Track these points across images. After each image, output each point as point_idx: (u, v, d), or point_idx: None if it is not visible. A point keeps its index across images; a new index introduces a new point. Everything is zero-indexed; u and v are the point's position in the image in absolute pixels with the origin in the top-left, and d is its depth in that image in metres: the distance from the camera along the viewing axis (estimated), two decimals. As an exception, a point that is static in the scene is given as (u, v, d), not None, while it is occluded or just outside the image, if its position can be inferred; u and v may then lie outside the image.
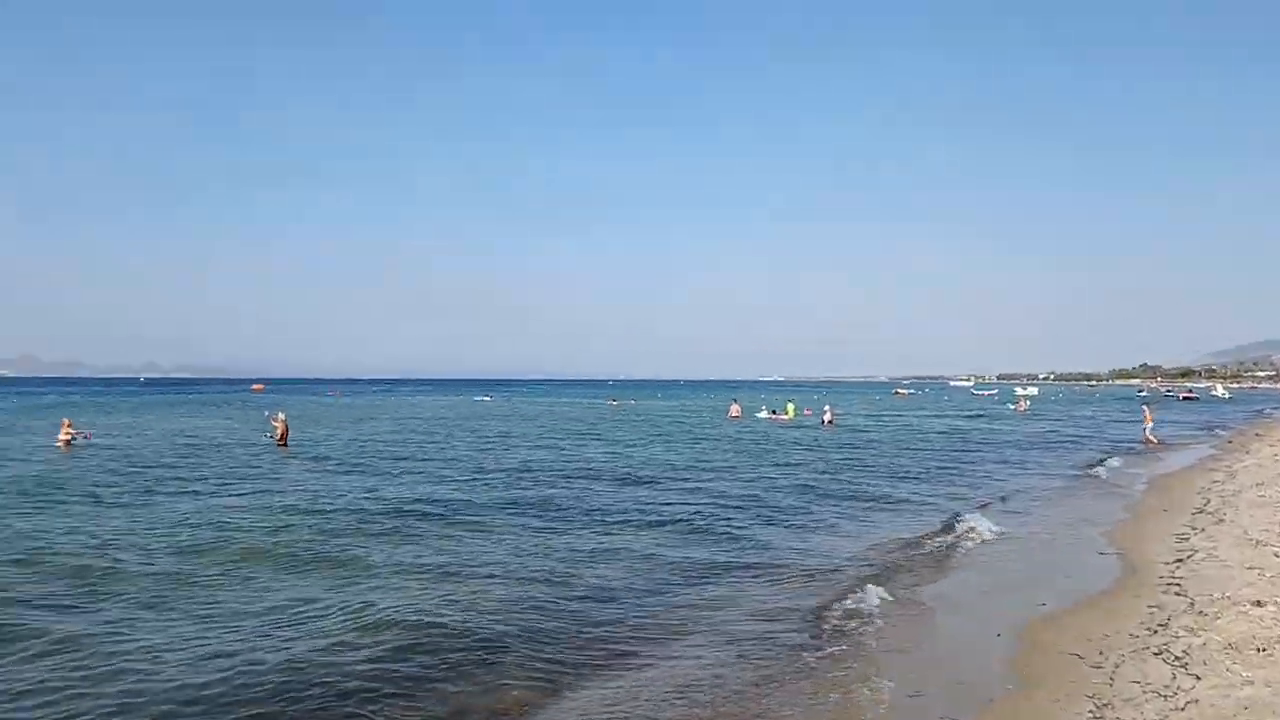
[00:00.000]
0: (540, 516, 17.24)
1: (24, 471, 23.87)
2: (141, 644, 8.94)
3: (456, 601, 10.64)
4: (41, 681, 7.95)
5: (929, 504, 19.82)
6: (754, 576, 12.51)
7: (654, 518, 17.25)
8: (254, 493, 19.98)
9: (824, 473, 25.47)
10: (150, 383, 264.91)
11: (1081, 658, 8.56)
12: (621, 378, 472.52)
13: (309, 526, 15.67)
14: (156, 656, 8.62)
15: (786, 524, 16.99)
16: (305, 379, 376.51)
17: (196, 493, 20.09)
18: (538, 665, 8.61)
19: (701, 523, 16.73)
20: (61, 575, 11.89)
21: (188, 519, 16.39)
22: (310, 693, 7.75)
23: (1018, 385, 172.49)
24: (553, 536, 15.20)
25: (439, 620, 9.77)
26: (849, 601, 10.76)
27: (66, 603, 10.54)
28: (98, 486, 20.96)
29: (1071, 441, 40.68)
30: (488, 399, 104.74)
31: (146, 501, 18.76)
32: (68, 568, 12.28)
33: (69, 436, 31.82)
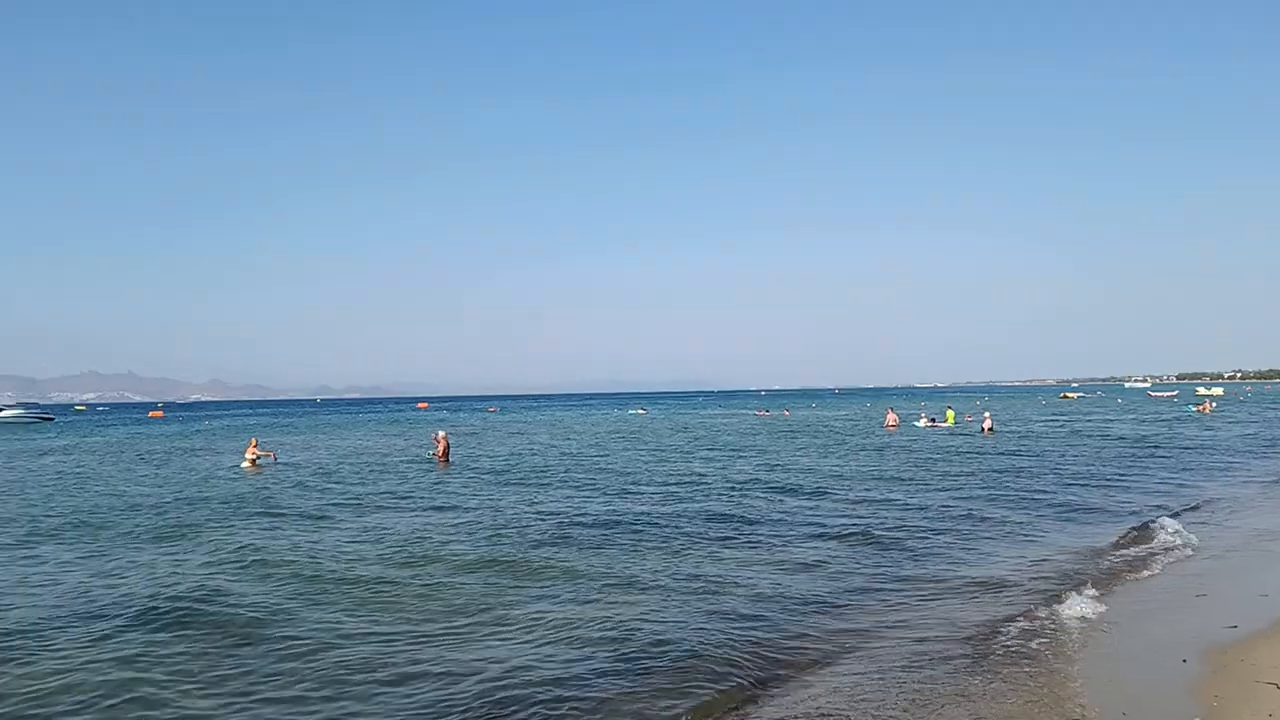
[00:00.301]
0: (715, 527, 17.22)
1: (228, 491, 25.44)
2: (370, 648, 9.50)
3: (649, 609, 10.89)
4: (317, 683, 8.50)
5: (1108, 513, 18.69)
6: (932, 587, 12.16)
7: (824, 529, 16.95)
8: (436, 509, 20.65)
9: (991, 482, 24.39)
10: (326, 403, 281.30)
11: None
12: (776, 387, 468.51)
13: (494, 539, 16.09)
14: (378, 658, 9.17)
15: (961, 534, 16.39)
16: (465, 396, 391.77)
17: (382, 507, 21.04)
18: (728, 673, 8.66)
19: (873, 534, 16.31)
20: (298, 583, 12.71)
21: (389, 532, 17.14)
22: (522, 695, 8.11)
23: (1200, 385, 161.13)
24: (731, 548, 15.17)
25: (635, 627, 10.06)
26: (1024, 621, 10.24)
27: (309, 610, 11.18)
28: (294, 502, 22.36)
29: (1268, 445, 37.57)
30: (642, 412, 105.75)
31: (340, 516, 19.76)
32: (302, 577, 13.10)
33: (255, 456, 34.10)
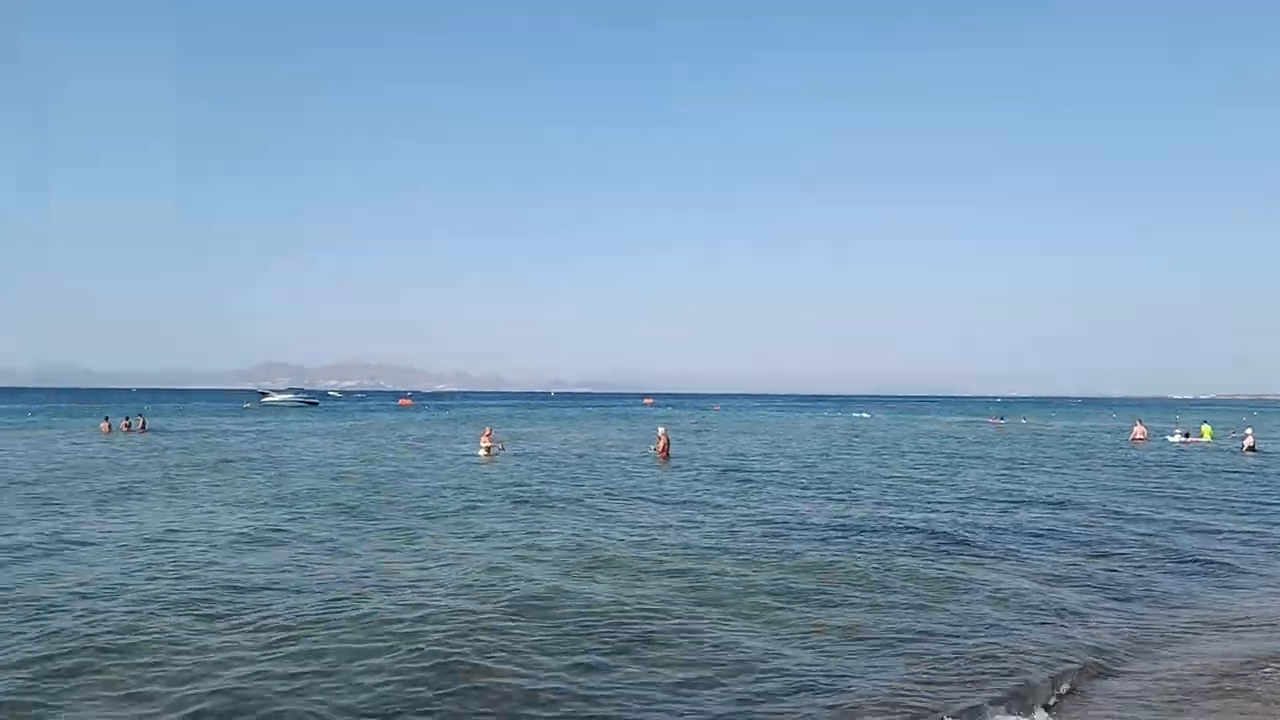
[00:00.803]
0: (974, 539, 16.05)
1: (476, 477, 26.76)
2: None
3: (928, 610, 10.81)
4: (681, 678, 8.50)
5: None
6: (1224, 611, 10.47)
7: (1095, 547, 15.67)
8: (672, 505, 20.69)
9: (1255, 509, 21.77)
10: (559, 396, 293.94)
11: None
12: (1012, 395, 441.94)
13: (737, 539, 15.69)
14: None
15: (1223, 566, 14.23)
16: (691, 394, 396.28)
17: (614, 499, 21.15)
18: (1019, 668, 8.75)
19: (1150, 552, 15.16)
20: (594, 568, 13.17)
21: (638, 527, 17.20)
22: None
23: None
24: (1000, 558, 14.32)
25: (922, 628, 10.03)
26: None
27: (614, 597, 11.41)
28: (532, 490, 23.22)
29: None
30: (866, 415, 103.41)
31: (571, 507, 20.11)
32: (600, 560, 13.74)
33: (489, 446, 36.12)
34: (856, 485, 25.39)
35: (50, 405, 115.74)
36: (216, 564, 13.41)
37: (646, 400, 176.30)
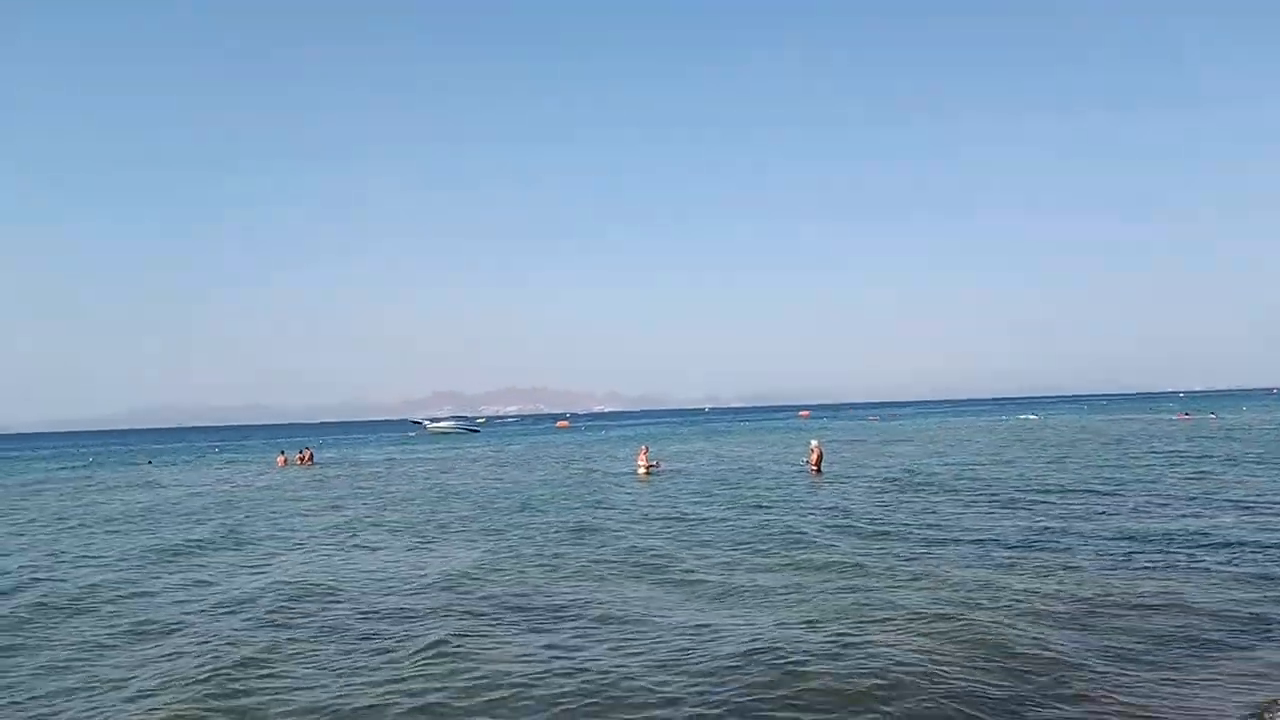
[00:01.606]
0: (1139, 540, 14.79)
1: (633, 497, 27.17)
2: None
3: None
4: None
5: None
6: None
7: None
8: (818, 510, 20.51)
9: None
10: (714, 412, 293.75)
11: None
12: (1197, 388, 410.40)
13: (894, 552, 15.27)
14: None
15: None
16: (847, 403, 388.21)
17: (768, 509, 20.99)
18: None
19: None
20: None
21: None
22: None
23: None
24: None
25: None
26: None
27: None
28: (695, 504, 23.55)
29: None
30: (1033, 417, 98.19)
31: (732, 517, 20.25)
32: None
33: (647, 464, 36.23)
34: (1074, 491, 23.93)
35: (236, 441, 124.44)
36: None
37: (802, 413, 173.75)
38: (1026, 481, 26.84)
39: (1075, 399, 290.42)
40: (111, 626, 11.88)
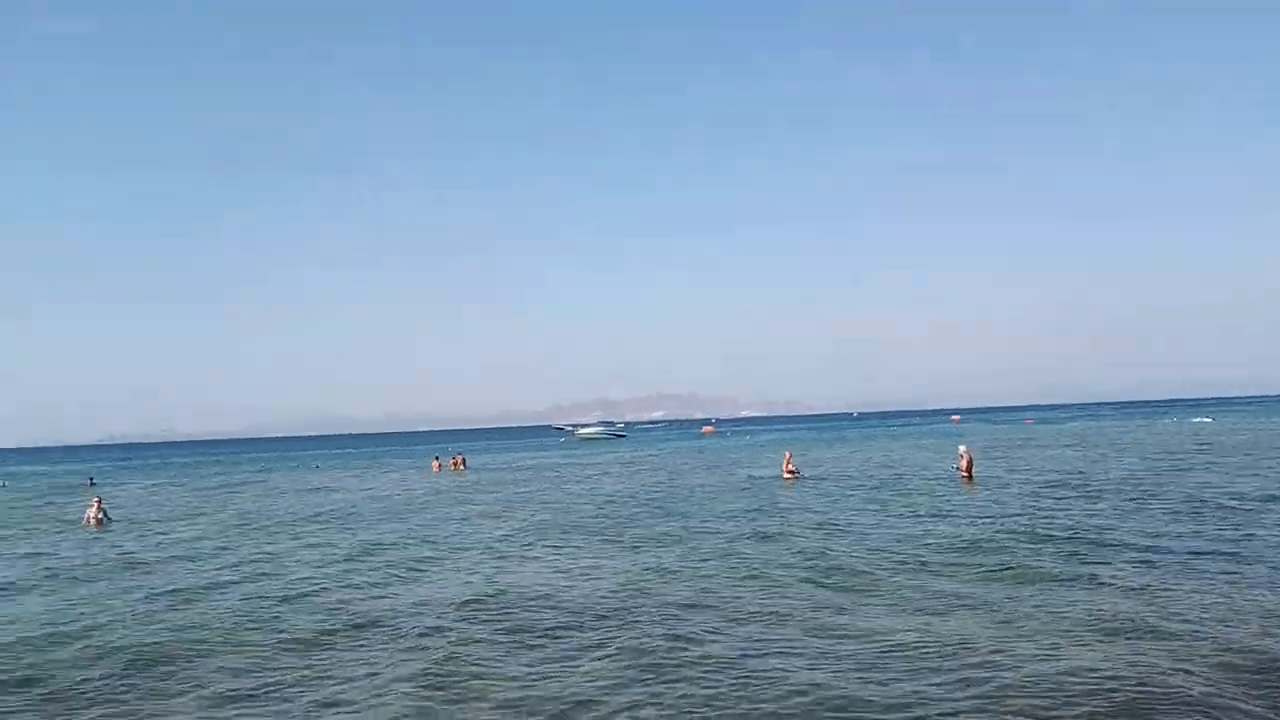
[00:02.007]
0: None
1: (784, 503, 27.21)
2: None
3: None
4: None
5: None
6: None
7: None
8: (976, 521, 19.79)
9: None
10: (862, 417, 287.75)
11: None
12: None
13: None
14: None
15: None
16: (1001, 406, 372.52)
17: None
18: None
19: None
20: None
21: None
22: None
23: None
24: None
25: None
26: None
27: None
28: (849, 509, 23.28)
29: None
30: (1208, 420, 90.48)
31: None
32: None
33: (791, 470, 35.92)
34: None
35: (390, 448, 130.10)
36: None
37: (954, 418, 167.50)
38: (1216, 488, 25.04)
39: (1259, 400, 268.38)
40: (332, 618, 12.76)
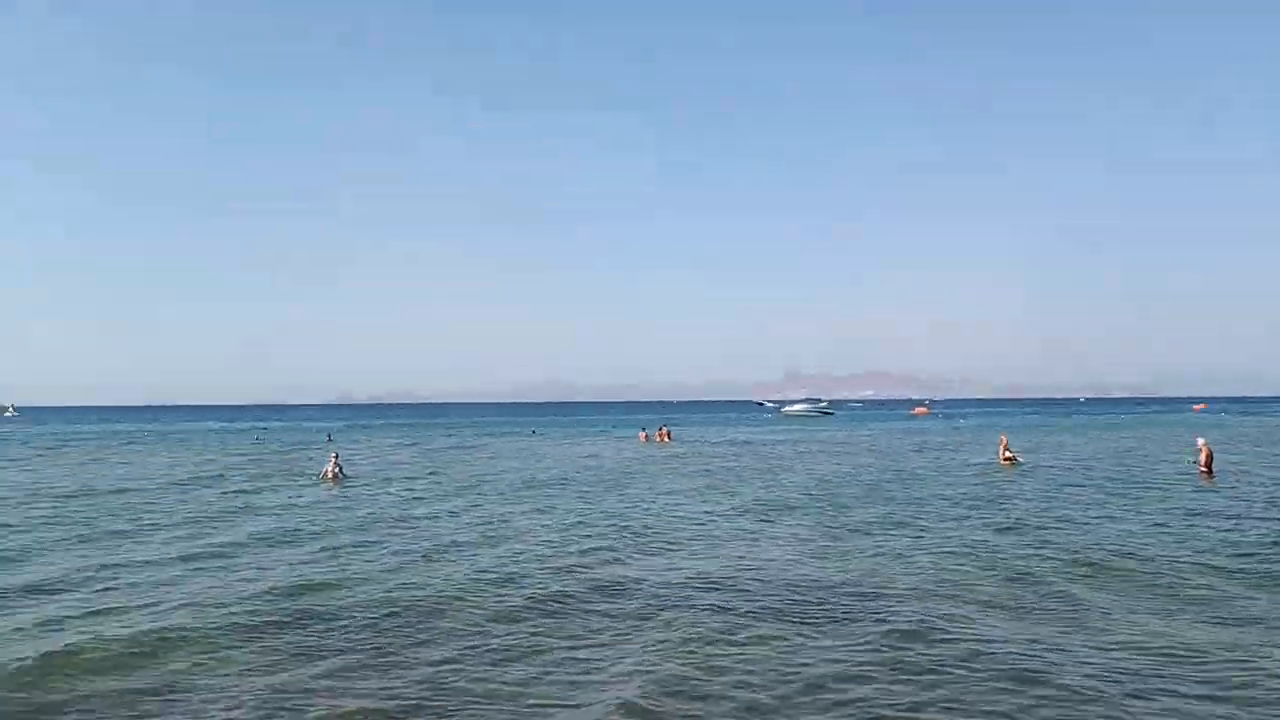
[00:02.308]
0: None
1: (1011, 492, 26.16)
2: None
3: None
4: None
5: None
6: None
7: None
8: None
9: None
10: (1090, 402, 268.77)
11: None
12: None
13: None
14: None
15: None
16: (1256, 397, 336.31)
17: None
18: None
19: None
20: None
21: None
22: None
23: None
24: None
25: None
26: None
27: None
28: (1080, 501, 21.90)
29: None
30: None
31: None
32: None
33: (1008, 455, 34.22)
34: None
35: (613, 417, 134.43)
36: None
37: (1196, 407, 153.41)
38: None
39: None
40: (575, 582, 13.23)
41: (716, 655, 9.46)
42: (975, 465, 34.75)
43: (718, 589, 12.75)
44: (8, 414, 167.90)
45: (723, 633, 10.30)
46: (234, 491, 27.22)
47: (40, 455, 48.89)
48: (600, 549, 16.28)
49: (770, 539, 17.47)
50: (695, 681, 8.61)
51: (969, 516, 20.06)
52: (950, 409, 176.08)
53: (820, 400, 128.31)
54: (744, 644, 9.88)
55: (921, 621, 10.66)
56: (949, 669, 8.90)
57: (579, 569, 14.38)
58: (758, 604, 11.79)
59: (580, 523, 19.84)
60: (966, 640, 9.86)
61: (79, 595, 12.68)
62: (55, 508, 23.05)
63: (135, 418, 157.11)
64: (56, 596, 12.61)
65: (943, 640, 9.88)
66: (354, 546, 16.75)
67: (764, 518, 20.45)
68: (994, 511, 20.87)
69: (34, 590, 13.04)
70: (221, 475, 33.43)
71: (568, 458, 43.40)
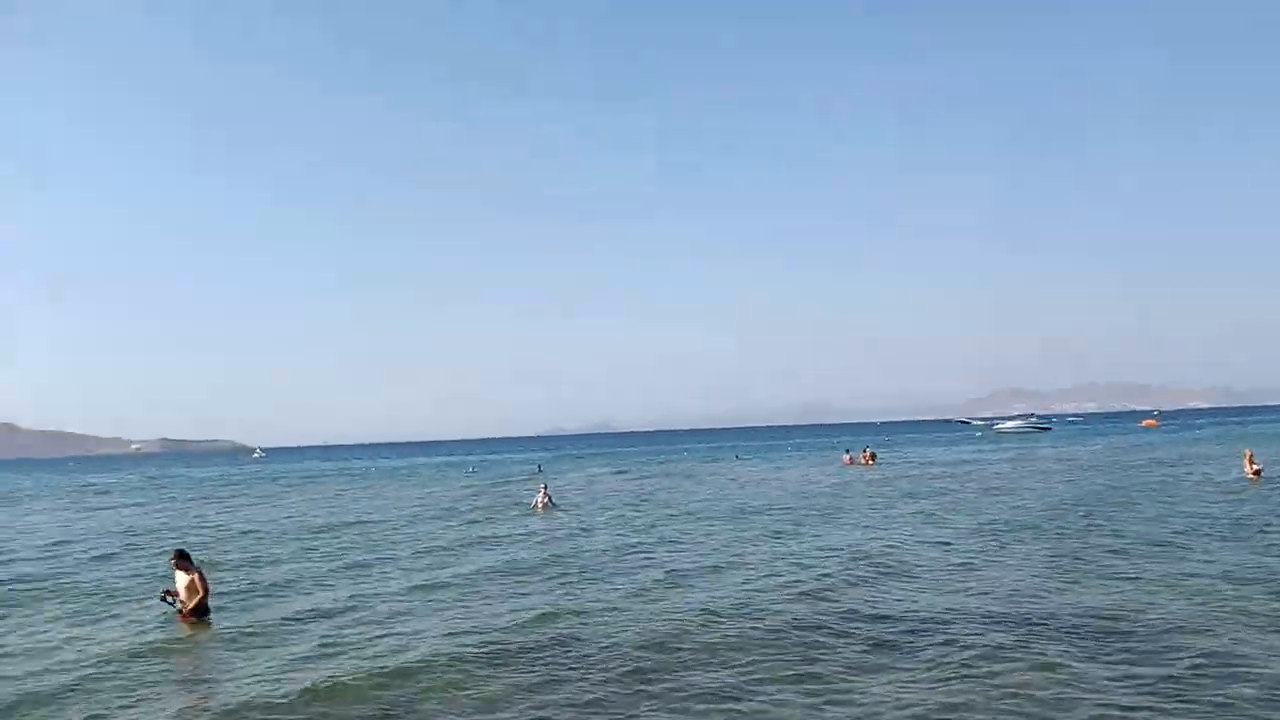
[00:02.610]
0: None
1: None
2: None
3: None
4: None
5: None
6: None
7: None
8: None
9: None
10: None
11: None
12: None
13: None
14: None
15: None
16: None
17: None
18: None
19: None
20: None
21: None
22: None
23: None
24: None
25: None
26: None
27: None
28: None
29: None
30: None
31: None
32: None
33: (1254, 469, 31.55)
34: None
35: (803, 440, 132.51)
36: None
37: None
38: None
39: None
40: (832, 614, 12.82)
41: (991, 684, 9.10)
42: (1221, 482, 31.72)
43: (975, 616, 12.17)
44: (256, 455, 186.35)
45: (994, 660, 9.89)
46: (465, 523, 28.33)
47: (287, 491, 53.51)
48: (838, 575, 15.86)
49: (1013, 563, 16.54)
50: (977, 715, 8.34)
51: (1229, 537, 18.38)
52: (1180, 420, 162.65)
53: (1035, 416, 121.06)
54: (1017, 672, 9.44)
55: (1212, 654, 9.82)
56: (1249, 708, 8.20)
57: (823, 596, 14.08)
58: (1021, 631, 11.17)
59: (810, 549, 19.43)
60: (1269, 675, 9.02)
61: (337, 623, 13.51)
62: (310, 540, 25.01)
63: (361, 454, 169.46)
64: (319, 624, 13.51)
65: (1238, 676, 9.07)
66: (584, 576, 17.02)
67: (1001, 541, 19.38)
68: (1253, 531, 18.98)
69: (299, 619, 14.02)
70: (452, 508, 34.99)
71: (774, 481, 43.04)
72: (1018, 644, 10.58)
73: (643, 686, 9.66)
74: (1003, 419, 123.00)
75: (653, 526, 25.31)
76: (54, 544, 27.02)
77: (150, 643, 12.69)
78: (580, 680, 9.93)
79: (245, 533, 27.97)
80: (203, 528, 30.48)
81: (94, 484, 77.76)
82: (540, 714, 8.91)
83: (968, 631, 11.35)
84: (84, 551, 24.65)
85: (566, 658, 10.90)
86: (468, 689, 9.75)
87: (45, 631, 13.98)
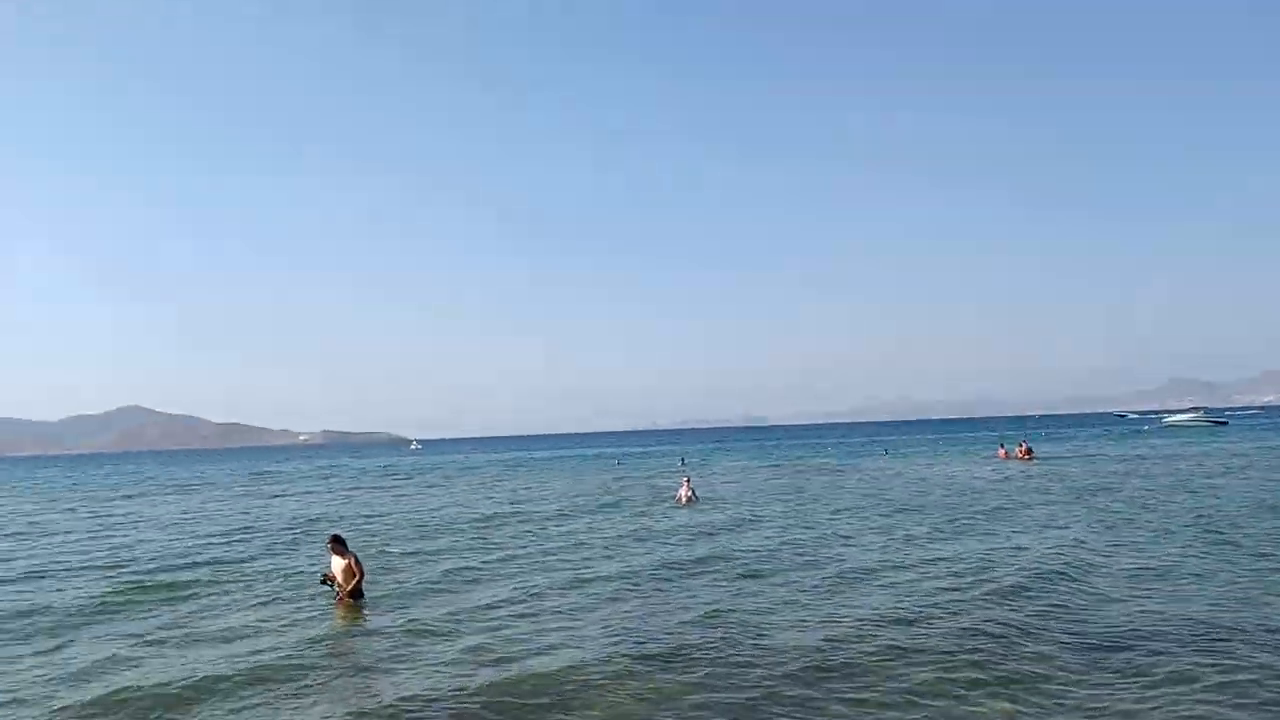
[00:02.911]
0: None
1: None
2: None
3: None
4: None
5: None
6: None
7: None
8: None
9: None
10: None
11: None
12: None
13: None
14: None
15: None
16: None
17: None
18: None
19: None
20: None
21: None
22: None
23: None
24: None
25: None
26: None
27: None
28: None
29: None
30: None
31: None
32: None
33: None
34: None
35: (960, 434, 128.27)
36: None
37: None
38: None
39: None
40: (1043, 619, 12.25)
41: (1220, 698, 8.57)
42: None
43: (1176, 627, 11.34)
44: (413, 446, 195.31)
45: (1208, 674, 9.31)
46: (617, 517, 28.37)
47: (446, 481, 55.55)
48: (1019, 577, 15.08)
49: (1208, 571, 15.33)
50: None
51: None
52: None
53: (1201, 409, 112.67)
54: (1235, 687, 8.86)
55: None
56: None
57: (1008, 598, 13.47)
58: (1234, 644, 10.42)
59: (984, 549, 18.64)
60: None
61: (503, 616, 13.59)
62: (470, 531, 25.63)
63: (503, 447, 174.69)
64: (486, 616, 13.61)
65: None
66: (746, 573, 16.72)
67: (1189, 546, 17.99)
68: None
69: (465, 610, 14.08)
70: (603, 501, 35.30)
71: (926, 477, 41.73)
72: (1227, 658, 9.90)
73: (829, 686, 9.47)
74: (1173, 411, 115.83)
75: (807, 522, 24.83)
76: (238, 530, 28.64)
77: (320, 633, 12.95)
78: (759, 683, 9.72)
79: (412, 522, 28.96)
80: (371, 517, 31.73)
81: (269, 471, 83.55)
82: (721, 715, 8.82)
83: (1172, 644, 10.62)
84: (265, 537, 26.10)
85: (740, 657, 10.71)
86: (642, 687, 9.69)
87: (228, 617, 14.44)
